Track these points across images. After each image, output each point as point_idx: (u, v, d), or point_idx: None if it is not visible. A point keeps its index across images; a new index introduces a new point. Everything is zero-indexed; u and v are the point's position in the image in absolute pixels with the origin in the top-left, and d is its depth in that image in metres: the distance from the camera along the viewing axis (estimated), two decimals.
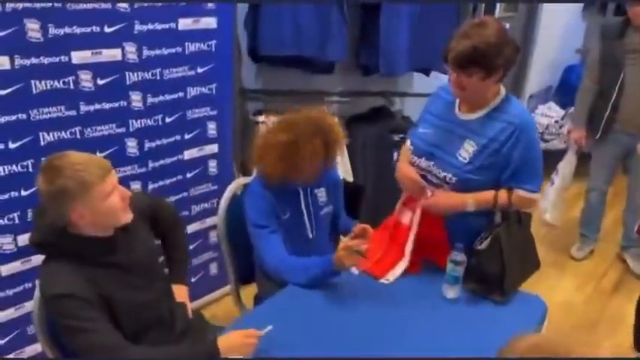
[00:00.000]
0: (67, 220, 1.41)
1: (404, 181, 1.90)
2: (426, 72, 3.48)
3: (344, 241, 1.85)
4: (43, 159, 1.93)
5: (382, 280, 1.86)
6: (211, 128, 2.52)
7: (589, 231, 3.53)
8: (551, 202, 3.22)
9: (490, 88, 1.75)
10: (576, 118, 3.32)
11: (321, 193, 2.04)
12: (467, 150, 1.77)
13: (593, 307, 3.09)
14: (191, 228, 2.61)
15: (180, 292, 1.79)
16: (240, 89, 2.90)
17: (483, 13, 3.65)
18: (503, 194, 1.77)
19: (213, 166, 2.60)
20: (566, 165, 3.25)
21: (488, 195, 1.77)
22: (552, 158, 3.29)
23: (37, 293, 1.50)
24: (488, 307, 1.75)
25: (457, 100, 1.85)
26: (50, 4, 1.84)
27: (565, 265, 3.49)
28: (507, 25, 3.78)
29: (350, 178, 3.06)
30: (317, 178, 1.94)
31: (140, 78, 2.17)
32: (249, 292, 2.18)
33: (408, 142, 1.97)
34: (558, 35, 5.27)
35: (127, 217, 1.50)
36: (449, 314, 1.71)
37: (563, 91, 5.18)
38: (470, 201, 1.77)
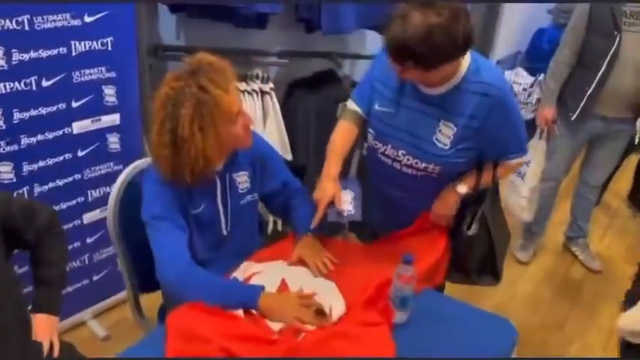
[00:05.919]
0: None
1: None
2: (380, 30, 3.00)
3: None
4: None
5: None
6: (109, 94, 2.02)
7: (538, 227, 3.03)
8: (528, 200, 2.67)
9: (444, 69, 1.41)
10: (548, 94, 2.70)
11: (242, 179, 1.62)
12: (445, 134, 1.51)
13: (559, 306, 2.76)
14: (89, 217, 2.14)
15: (42, 326, 1.35)
16: (157, 46, 2.40)
17: None
18: (487, 175, 1.61)
19: (114, 141, 2.11)
20: (535, 154, 2.63)
21: (471, 179, 1.61)
22: None
23: None
24: (452, 330, 1.40)
25: None
26: None
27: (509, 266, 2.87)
28: None
29: (288, 157, 2.60)
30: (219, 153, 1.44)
31: (0, 28, 1.65)
32: (151, 300, 1.74)
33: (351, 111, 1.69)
34: None
35: None
36: (407, 339, 1.32)
37: (533, 57, 4.80)
38: (463, 190, 1.60)
